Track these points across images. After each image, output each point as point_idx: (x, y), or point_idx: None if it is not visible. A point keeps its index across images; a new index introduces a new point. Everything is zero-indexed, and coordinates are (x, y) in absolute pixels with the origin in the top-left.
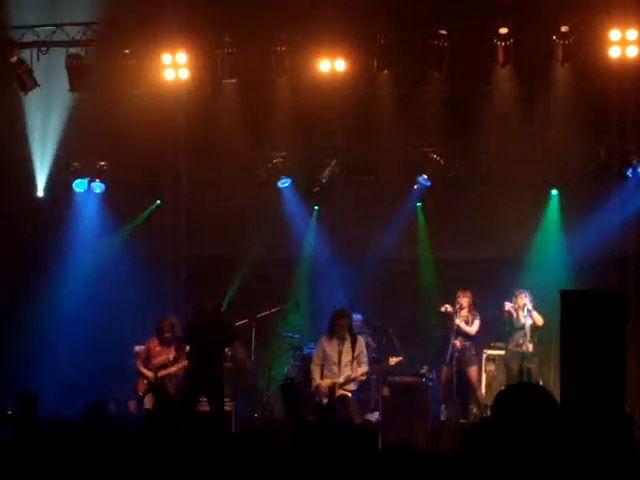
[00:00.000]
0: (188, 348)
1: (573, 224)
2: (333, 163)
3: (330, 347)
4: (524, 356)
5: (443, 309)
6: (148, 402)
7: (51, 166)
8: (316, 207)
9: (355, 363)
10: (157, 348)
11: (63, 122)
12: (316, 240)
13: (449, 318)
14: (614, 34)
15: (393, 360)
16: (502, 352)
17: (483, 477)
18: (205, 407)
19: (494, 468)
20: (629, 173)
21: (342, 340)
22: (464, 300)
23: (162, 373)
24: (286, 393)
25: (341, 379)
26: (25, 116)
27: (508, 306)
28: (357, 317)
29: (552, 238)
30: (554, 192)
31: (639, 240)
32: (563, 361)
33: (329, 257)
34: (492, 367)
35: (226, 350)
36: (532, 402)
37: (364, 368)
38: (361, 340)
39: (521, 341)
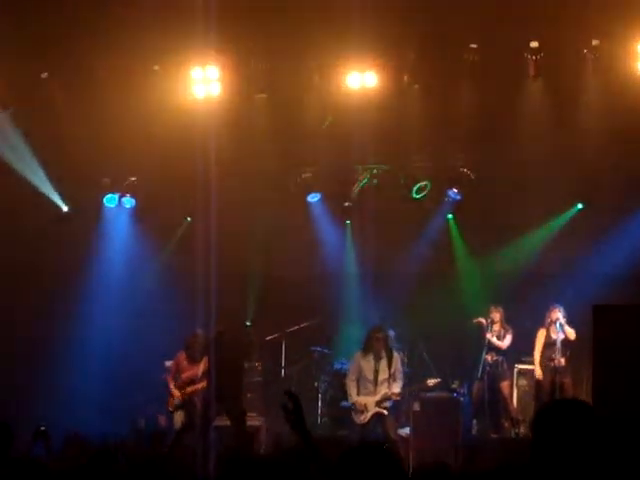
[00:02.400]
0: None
1: (604, 237)
2: (363, 177)
3: (366, 364)
4: (556, 371)
5: (476, 322)
6: (177, 419)
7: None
8: (348, 222)
9: (391, 380)
10: (185, 363)
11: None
12: (348, 255)
13: (481, 332)
14: None
15: (431, 382)
16: (532, 367)
17: None
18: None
19: None
20: None
21: (378, 357)
22: (496, 315)
23: (189, 390)
24: (291, 406)
25: (378, 397)
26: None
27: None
28: (390, 333)
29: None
30: (579, 206)
31: None
32: (595, 376)
33: (360, 272)
34: (524, 382)
35: (256, 364)
36: (574, 419)
37: (399, 385)
38: (397, 357)
39: (553, 355)
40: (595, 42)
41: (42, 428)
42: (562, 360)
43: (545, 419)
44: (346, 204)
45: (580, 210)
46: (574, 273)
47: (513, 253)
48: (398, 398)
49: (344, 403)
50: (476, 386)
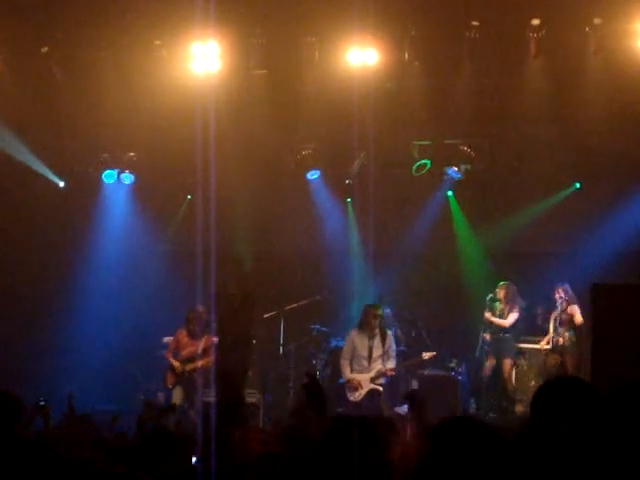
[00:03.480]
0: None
1: (604, 215)
2: (362, 155)
3: (360, 341)
4: (555, 350)
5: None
6: (176, 395)
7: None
8: (349, 200)
9: (385, 357)
10: (185, 339)
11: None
12: (351, 233)
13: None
14: None
15: (427, 355)
16: (533, 346)
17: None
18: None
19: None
20: None
21: (373, 335)
22: (500, 293)
23: (189, 367)
24: (310, 388)
25: (372, 373)
26: None
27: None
28: (386, 311)
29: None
30: (577, 185)
31: None
32: (594, 354)
33: (361, 249)
34: (522, 361)
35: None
36: (570, 397)
37: (393, 362)
38: (390, 335)
39: (553, 335)
40: (597, 20)
41: (41, 403)
42: (560, 339)
43: (542, 398)
44: (347, 181)
45: (578, 189)
46: (574, 251)
47: (513, 231)
48: (393, 373)
49: (341, 380)
50: (474, 365)
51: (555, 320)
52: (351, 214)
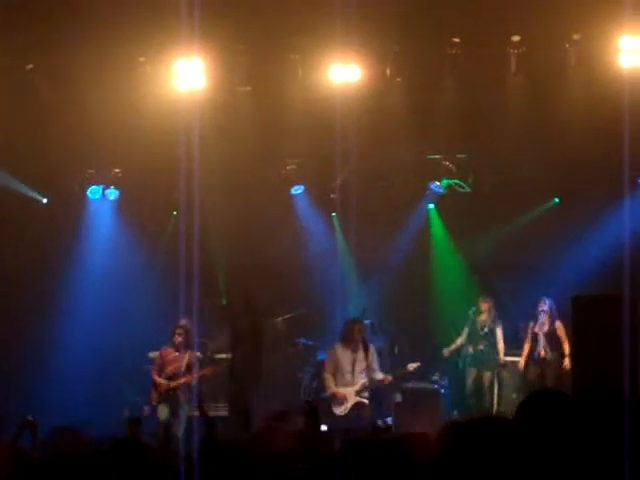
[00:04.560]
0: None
1: (585, 231)
2: (346, 170)
3: (344, 356)
4: (538, 362)
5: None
6: (161, 411)
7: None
8: (333, 214)
9: (369, 370)
10: (170, 355)
11: None
12: (333, 246)
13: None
14: (625, 41)
15: (412, 366)
16: (515, 358)
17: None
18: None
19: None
20: None
21: (355, 348)
22: (484, 306)
23: (173, 384)
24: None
25: (357, 387)
26: None
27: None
28: (366, 322)
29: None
30: (556, 200)
31: None
32: (575, 367)
33: (346, 263)
34: (506, 374)
35: None
36: (551, 410)
37: (380, 374)
38: (372, 348)
39: (537, 347)
40: (576, 36)
41: (29, 418)
42: (543, 352)
43: (524, 410)
44: (332, 196)
45: (557, 204)
46: (554, 265)
47: (494, 245)
48: (386, 383)
49: (323, 394)
50: (456, 377)
51: (537, 333)
52: (336, 228)
